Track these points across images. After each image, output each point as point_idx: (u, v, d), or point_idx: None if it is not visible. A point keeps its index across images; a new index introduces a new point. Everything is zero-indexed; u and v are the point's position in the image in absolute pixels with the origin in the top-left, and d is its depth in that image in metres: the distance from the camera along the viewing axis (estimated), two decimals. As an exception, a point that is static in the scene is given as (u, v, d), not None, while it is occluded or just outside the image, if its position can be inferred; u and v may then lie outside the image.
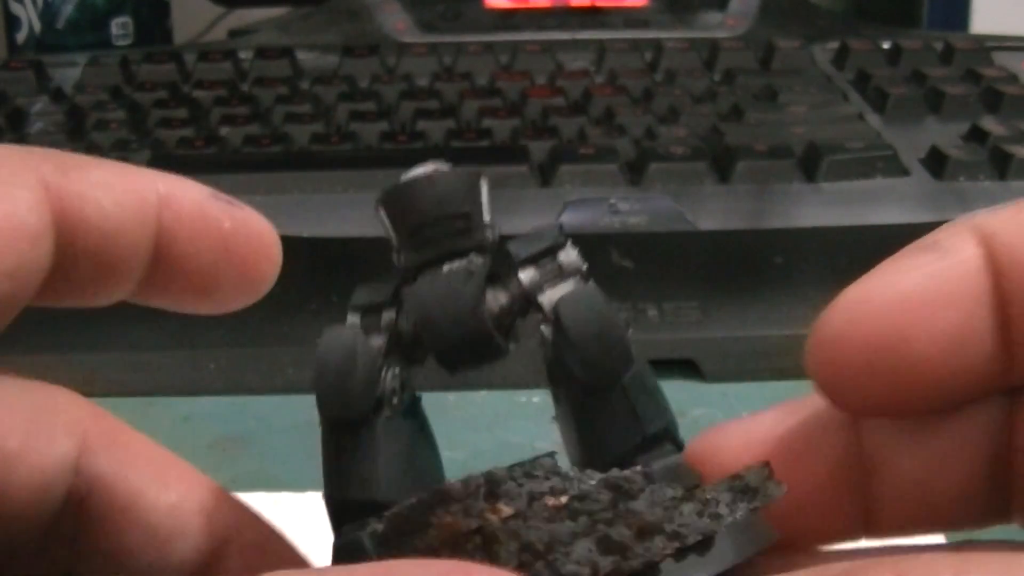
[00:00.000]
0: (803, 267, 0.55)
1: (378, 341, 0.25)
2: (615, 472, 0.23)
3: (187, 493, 0.27)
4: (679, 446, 0.25)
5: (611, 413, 0.25)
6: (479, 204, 0.25)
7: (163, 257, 0.25)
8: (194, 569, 0.27)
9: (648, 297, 0.53)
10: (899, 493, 0.24)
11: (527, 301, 0.25)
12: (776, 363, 0.52)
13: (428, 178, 0.25)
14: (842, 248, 0.55)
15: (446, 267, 0.25)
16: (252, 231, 0.26)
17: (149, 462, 0.27)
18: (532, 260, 0.25)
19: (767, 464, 0.23)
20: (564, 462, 0.24)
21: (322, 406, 0.25)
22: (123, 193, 0.25)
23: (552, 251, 0.25)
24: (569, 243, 0.25)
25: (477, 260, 0.25)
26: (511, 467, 0.23)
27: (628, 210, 0.57)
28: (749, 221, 0.58)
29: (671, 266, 0.55)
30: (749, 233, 0.57)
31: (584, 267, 0.25)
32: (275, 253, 0.26)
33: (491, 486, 0.22)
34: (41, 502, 0.25)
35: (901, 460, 0.24)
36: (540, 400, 0.51)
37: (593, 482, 0.23)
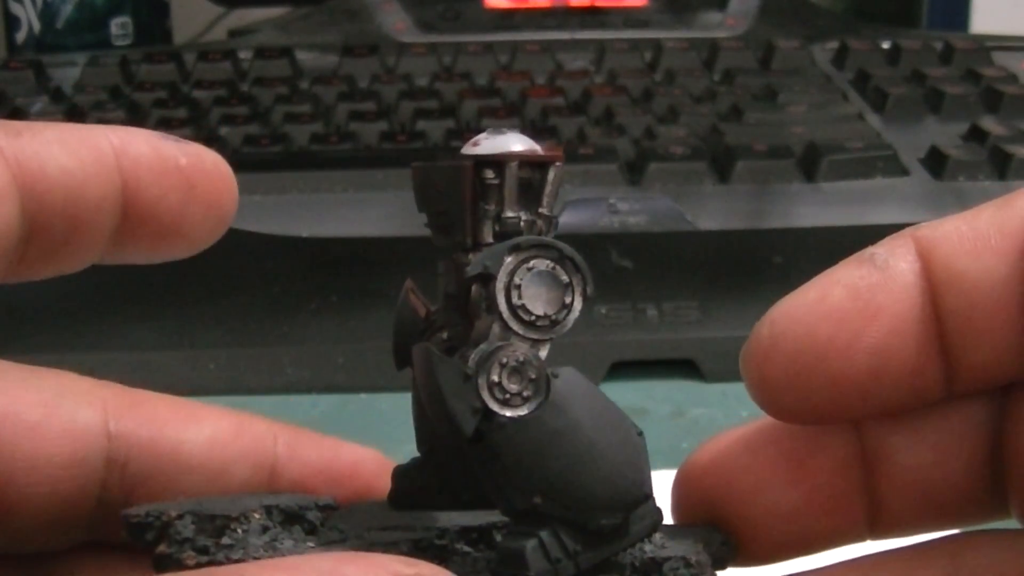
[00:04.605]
0: (803, 267, 0.55)
1: (426, 309, 0.26)
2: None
3: (219, 423, 0.28)
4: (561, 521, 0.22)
5: (480, 466, 0.23)
6: (460, 201, 0.24)
7: (131, 204, 0.25)
8: (263, 487, 0.28)
9: (648, 297, 0.53)
10: (901, 490, 0.24)
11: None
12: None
13: (418, 170, 0.25)
14: (842, 248, 0.55)
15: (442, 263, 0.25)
16: (208, 163, 0.26)
17: (175, 412, 0.28)
18: (477, 279, 0.23)
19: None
20: None
21: None
22: (79, 147, 0.24)
23: (484, 279, 0.23)
24: (502, 274, 0.23)
25: (445, 264, 0.24)
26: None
27: (628, 210, 0.57)
28: (749, 221, 0.58)
29: (671, 266, 0.55)
30: (749, 233, 0.57)
31: (502, 308, 0.23)
32: (232, 183, 0.27)
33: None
34: (80, 468, 0.26)
35: (902, 456, 0.24)
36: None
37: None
